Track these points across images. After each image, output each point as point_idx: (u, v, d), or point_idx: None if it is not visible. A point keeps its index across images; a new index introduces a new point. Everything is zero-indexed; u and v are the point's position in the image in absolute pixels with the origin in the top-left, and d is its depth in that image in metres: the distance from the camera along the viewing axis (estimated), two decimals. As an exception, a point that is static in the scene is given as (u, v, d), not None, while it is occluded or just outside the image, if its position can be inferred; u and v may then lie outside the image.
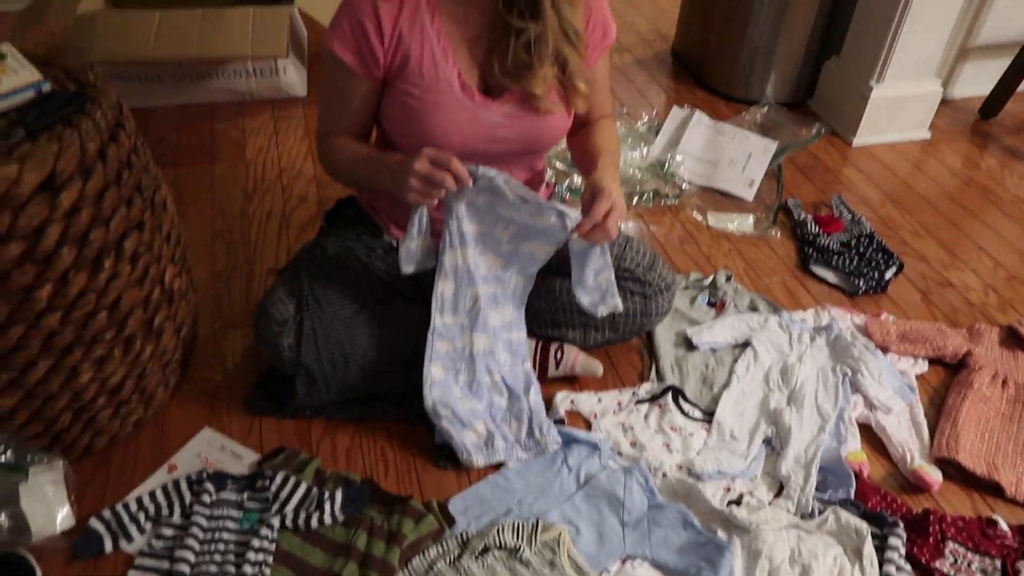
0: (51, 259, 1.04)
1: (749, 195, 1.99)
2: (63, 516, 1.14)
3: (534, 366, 1.43)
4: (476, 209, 1.23)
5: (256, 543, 1.12)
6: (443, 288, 1.27)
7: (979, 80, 2.43)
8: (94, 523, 1.15)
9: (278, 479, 1.20)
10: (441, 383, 1.31)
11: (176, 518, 1.17)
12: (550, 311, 1.42)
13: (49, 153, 1.00)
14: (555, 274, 1.36)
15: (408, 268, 1.26)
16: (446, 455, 1.31)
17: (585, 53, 1.22)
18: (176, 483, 1.21)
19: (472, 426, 1.31)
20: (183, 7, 2.15)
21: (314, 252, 1.39)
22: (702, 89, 2.47)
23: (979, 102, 2.42)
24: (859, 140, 2.23)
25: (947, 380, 1.52)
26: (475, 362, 1.32)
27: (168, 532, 1.16)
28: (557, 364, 1.44)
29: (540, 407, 1.35)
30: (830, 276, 1.75)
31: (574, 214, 1.19)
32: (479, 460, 1.29)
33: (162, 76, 2.20)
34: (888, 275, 1.73)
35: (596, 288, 1.29)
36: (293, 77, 2.27)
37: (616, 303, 1.31)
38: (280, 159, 2.04)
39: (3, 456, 1.11)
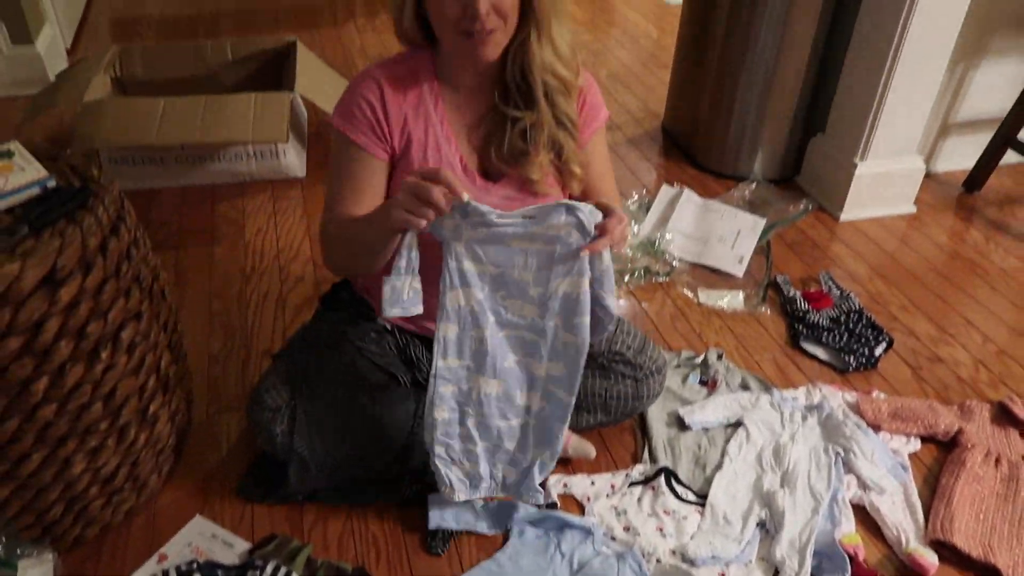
0: (49, 352, 1.06)
1: (739, 272, 2.02)
2: (51, 610, 1.13)
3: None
4: (479, 246, 1.14)
5: (245, 637, 1.11)
6: (445, 331, 1.19)
7: (962, 155, 2.50)
8: (82, 617, 1.14)
9: (268, 569, 1.19)
10: (446, 423, 1.25)
11: (165, 611, 1.16)
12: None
13: (51, 249, 1.03)
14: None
15: (392, 310, 1.11)
16: (439, 540, 1.31)
17: (579, 138, 1.26)
18: (165, 573, 1.20)
19: (461, 463, 1.28)
20: (187, 94, 2.23)
21: (308, 337, 1.41)
22: (692, 166, 2.53)
23: (963, 176, 2.48)
24: (846, 215, 2.27)
25: (941, 458, 1.52)
26: (483, 405, 1.24)
27: (156, 626, 1.15)
28: (550, 446, 1.44)
29: (538, 472, 1.29)
30: (820, 353, 1.77)
31: (586, 207, 1.10)
32: (461, 494, 1.28)
33: (165, 159, 2.26)
34: (878, 351, 1.75)
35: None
36: (293, 159, 2.33)
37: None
38: (278, 240, 2.08)
39: (-7, 550, 1.11)
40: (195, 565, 1.20)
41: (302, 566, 1.22)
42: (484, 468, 1.29)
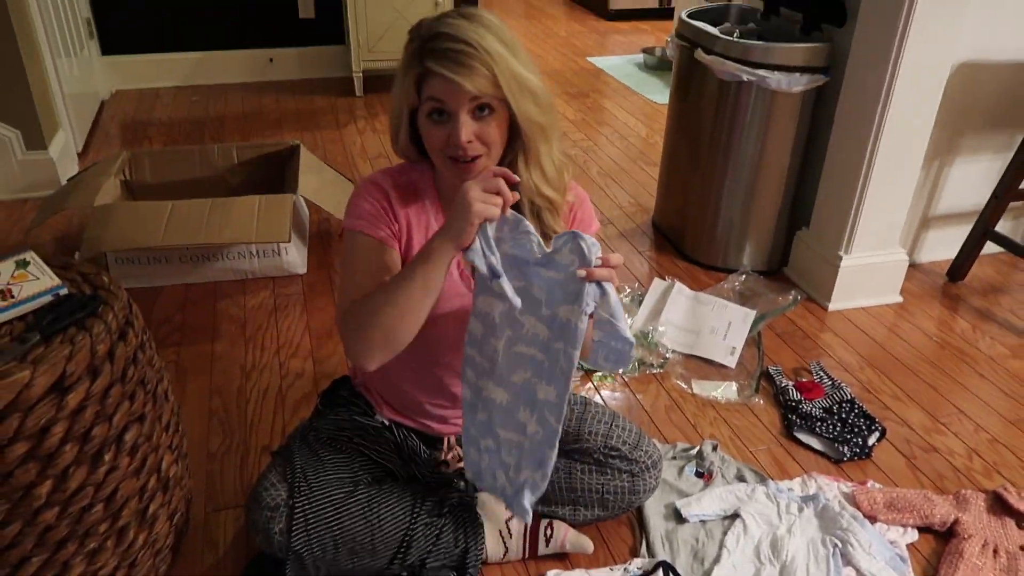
0: (53, 456, 1.08)
1: (731, 362, 2.06)
2: None
3: (524, 543, 1.43)
4: (508, 262, 1.17)
5: None
6: (473, 325, 1.23)
7: (944, 245, 2.58)
8: None
9: (264, 675, 1.18)
10: (466, 400, 1.26)
11: None
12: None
13: (60, 356, 1.07)
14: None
15: (518, 303, 1.15)
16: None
17: None
18: None
19: (479, 446, 1.28)
20: (194, 196, 2.31)
21: (307, 435, 1.43)
22: (682, 259, 2.60)
23: (946, 265, 2.55)
24: (834, 305, 2.33)
25: (938, 549, 1.52)
26: (491, 409, 1.24)
27: None
28: (547, 541, 1.44)
29: (529, 493, 1.24)
30: (814, 443, 1.78)
31: (590, 238, 1.13)
32: (468, 473, 1.28)
33: (170, 258, 2.32)
34: (871, 441, 1.77)
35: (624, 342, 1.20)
36: (294, 256, 2.40)
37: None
38: (278, 336, 2.12)
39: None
40: (189, 672, 1.19)
41: (298, 672, 1.21)
42: (487, 464, 1.27)
